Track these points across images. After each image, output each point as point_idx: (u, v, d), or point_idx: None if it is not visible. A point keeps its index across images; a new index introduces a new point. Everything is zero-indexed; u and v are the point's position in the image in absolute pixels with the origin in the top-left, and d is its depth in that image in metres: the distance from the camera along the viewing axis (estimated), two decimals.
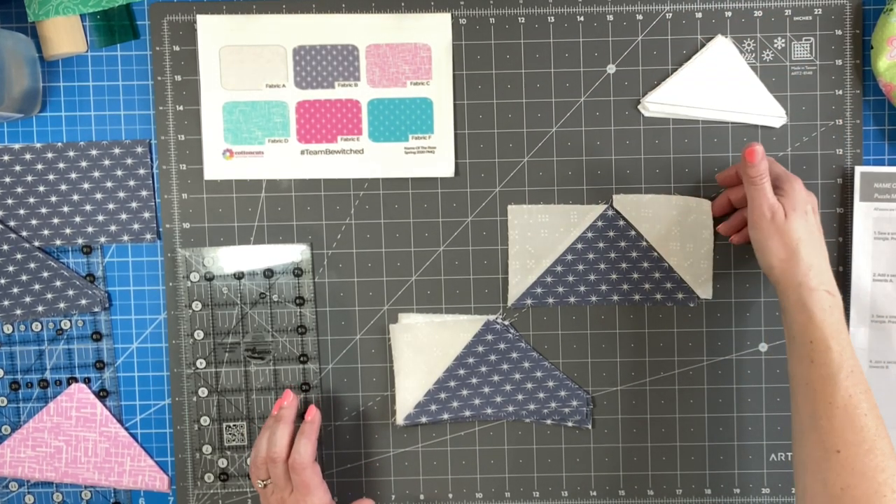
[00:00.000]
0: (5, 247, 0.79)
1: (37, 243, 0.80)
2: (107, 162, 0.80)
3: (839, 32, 0.79)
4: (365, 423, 0.82)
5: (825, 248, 0.70)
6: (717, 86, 0.79)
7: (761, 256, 0.70)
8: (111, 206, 0.80)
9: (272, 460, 0.73)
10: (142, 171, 0.80)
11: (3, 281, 0.80)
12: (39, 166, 0.80)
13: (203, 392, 0.81)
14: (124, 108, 0.80)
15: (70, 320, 0.81)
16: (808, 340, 0.66)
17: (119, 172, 0.80)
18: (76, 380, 0.82)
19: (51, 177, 0.80)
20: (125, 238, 0.80)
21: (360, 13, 0.79)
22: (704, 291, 0.80)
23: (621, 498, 0.82)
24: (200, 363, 0.81)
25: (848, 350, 0.65)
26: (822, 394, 0.64)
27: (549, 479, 0.82)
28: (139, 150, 0.80)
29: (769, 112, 0.79)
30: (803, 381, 0.66)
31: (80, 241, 0.80)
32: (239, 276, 0.80)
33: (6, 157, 0.80)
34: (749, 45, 0.79)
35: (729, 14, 0.79)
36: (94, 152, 0.80)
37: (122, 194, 0.80)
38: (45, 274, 0.80)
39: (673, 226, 0.79)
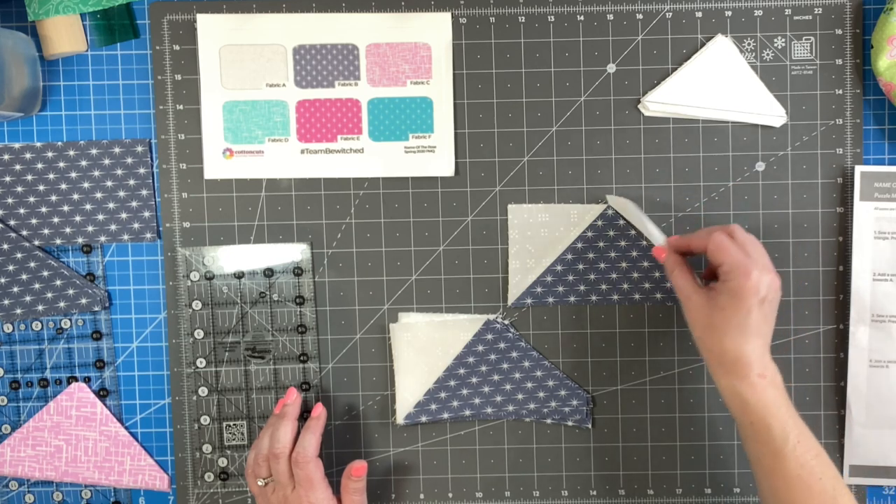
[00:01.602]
0: (5, 246, 0.79)
1: (37, 242, 0.80)
2: (107, 161, 0.80)
3: (839, 32, 0.79)
4: (365, 423, 0.82)
5: (769, 328, 0.68)
6: (717, 85, 0.79)
7: (697, 331, 0.69)
8: (111, 205, 0.80)
9: (275, 456, 0.73)
10: (142, 171, 0.80)
11: (3, 280, 0.80)
12: (39, 165, 0.80)
13: (203, 391, 0.81)
14: (124, 108, 0.80)
15: (70, 319, 0.81)
16: (748, 422, 0.67)
17: (119, 171, 0.80)
18: (76, 379, 0.82)
19: (51, 176, 0.80)
20: (125, 237, 0.80)
21: (361, 12, 0.79)
22: None
23: (621, 497, 0.82)
24: (200, 362, 0.81)
25: (790, 421, 0.66)
26: (774, 469, 0.65)
27: (549, 478, 0.82)
28: (139, 149, 0.80)
29: (769, 111, 0.79)
30: (755, 459, 0.67)
31: (80, 240, 0.80)
32: (239, 276, 0.80)
33: (6, 156, 0.80)
34: (749, 44, 0.79)
35: (729, 13, 0.79)
36: (94, 151, 0.80)
37: (122, 193, 0.80)
38: (46, 273, 0.80)
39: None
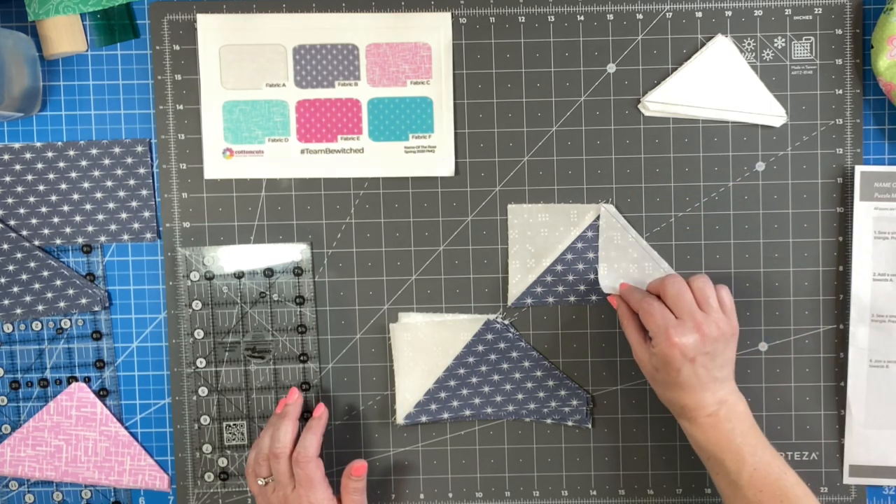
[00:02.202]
0: (5, 246, 0.79)
1: (37, 242, 0.80)
2: (107, 161, 0.80)
3: (839, 32, 0.79)
4: (365, 423, 0.82)
5: (705, 379, 0.70)
6: (717, 85, 0.79)
7: (647, 374, 0.74)
8: (111, 205, 0.80)
9: (275, 456, 0.73)
10: (142, 171, 0.80)
11: (3, 280, 0.80)
12: (39, 165, 0.80)
13: (203, 391, 0.81)
14: (124, 108, 0.80)
15: (70, 319, 0.81)
16: (705, 458, 0.72)
17: (119, 171, 0.80)
18: (76, 379, 0.82)
19: (51, 176, 0.80)
20: (125, 237, 0.80)
21: (361, 12, 0.79)
22: None
23: (621, 497, 0.82)
24: (200, 362, 0.81)
25: (745, 451, 0.69)
26: (735, 498, 0.69)
27: (549, 478, 0.82)
28: (139, 149, 0.80)
29: (769, 111, 0.79)
30: (719, 490, 0.71)
31: (80, 240, 0.80)
32: (239, 276, 0.80)
33: (6, 156, 0.80)
34: (749, 44, 0.79)
35: (729, 13, 0.79)
36: (94, 151, 0.80)
37: (122, 193, 0.80)
38: (46, 273, 0.80)
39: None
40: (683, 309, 0.70)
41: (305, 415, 0.80)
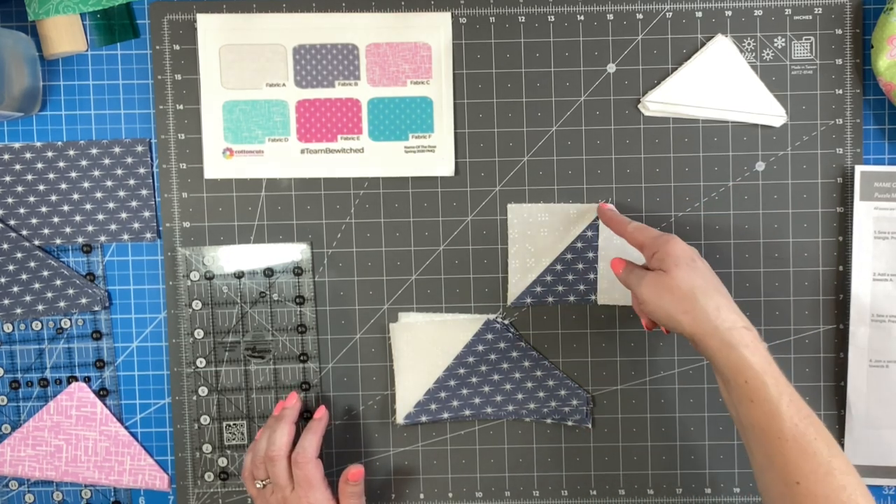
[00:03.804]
0: (5, 245, 0.79)
1: (37, 242, 0.80)
2: (107, 161, 0.80)
3: (839, 31, 0.79)
4: (365, 423, 0.82)
5: (725, 289, 0.68)
6: (717, 85, 0.79)
7: (666, 320, 0.67)
8: (111, 204, 0.80)
9: (271, 459, 0.73)
10: (142, 170, 0.80)
11: (3, 280, 0.80)
12: (39, 165, 0.80)
13: (203, 391, 0.81)
14: (124, 107, 0.80)
15: (70, 319, 0.81)
16: (742, 381, 0.64)
17: (119, 171, 0.80)
18: (76, 379, 0.82)
19: (51, 175, 0.80)
20: (125, 237, 0.80)
21: (361, 12, 0.79)
22: None
23: (621, 497, 0.82)
24: (200, 362, 0.81)
25: (781, 380, 0.64)
26: (769, 431, 0.63)
27: (548, 478, 0.82)
28: (139, 148, 0.80)
29: (769, 111, 0.79)
30: (748, 423, 0.65)
31: (80, 239, 0.80)
32: (239, 275, 0.81)
33: (6, 156, 0.80)
34: (749, 44, 0.79)
35: (729, 13, 0.79)
36: (94, 151, 0.80)
37: (122, 193, 0.80)
38: (46, 273, 0.80)
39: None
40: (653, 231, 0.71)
41: (306, 415, 0.80)
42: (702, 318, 0.65)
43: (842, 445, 0.81)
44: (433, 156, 0.80)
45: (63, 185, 0.80)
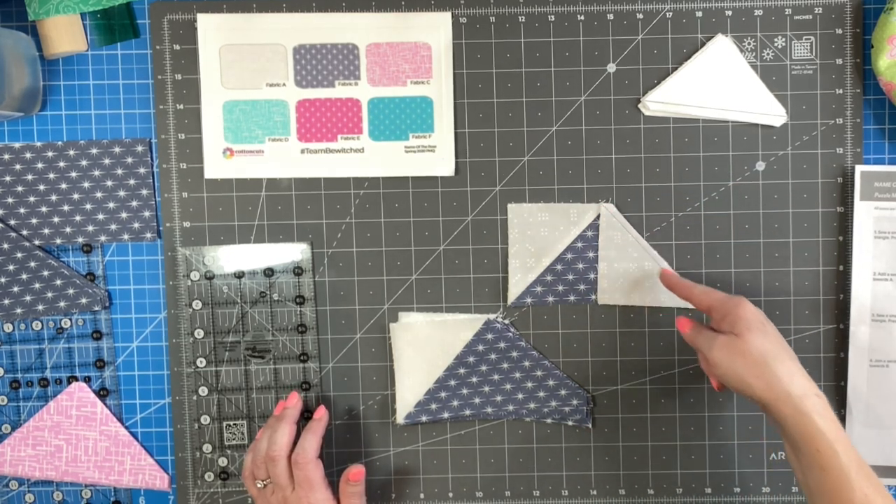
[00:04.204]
0: (6, 245, 0.79)
1: (37, 242, 0.80)
2: (107, 161, 0.80)
3: (839, 31, 0.79)
4: (365, 423, 0.82)
5: (793, 352, 0.68)
6: (717, 85, 0.79)
7: (737, 384, 0.67)
8: (111, 204, 0.80)
9: (272, 458, 0.73)
10: (142, 170, 0.80)
11: (3, 280, 0.80)
12: (40, 165, 0.80)
13: (203, 391, 0.81)
14: (124, 107, 0.80)
15: (70, 319, 0.81)
16: (814, 449, 0.64)
17: (119, 171, 0.80)
18: (76, 378, 0.82)
19: (51, 175, 0.80)
20: (125, 237, 0.80)
21: (361, 12, 0.79)
22: None
23: (621, 497, 0.82)
24: (201, 362, 0.81)
25: (851, 448, 0.64)
26: (839, 499, 0.63)
27: (549, 478, 0.82)
28: (139, 148, 0.80)
29: (769, 111, 0.79)
30: (818, 490, 0.64)
31: (80, 239, 0.80)
32: (239, 275, 0.81)
33: (6, 156, 0.80)
34: (749, 44, 0.79)
35: (729, 13, 0.79)
36: (94, 151, 0.80)
37: (122, 193, 0.80)
38: (46, 273, 0.80)
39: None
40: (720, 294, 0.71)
41: (306, 415, 0.80)
42: (775, 384, 0.66)
43: None
44: (433, 156, 0.80)
45: (63, 185, 0.80)
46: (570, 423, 0.81)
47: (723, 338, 0.68)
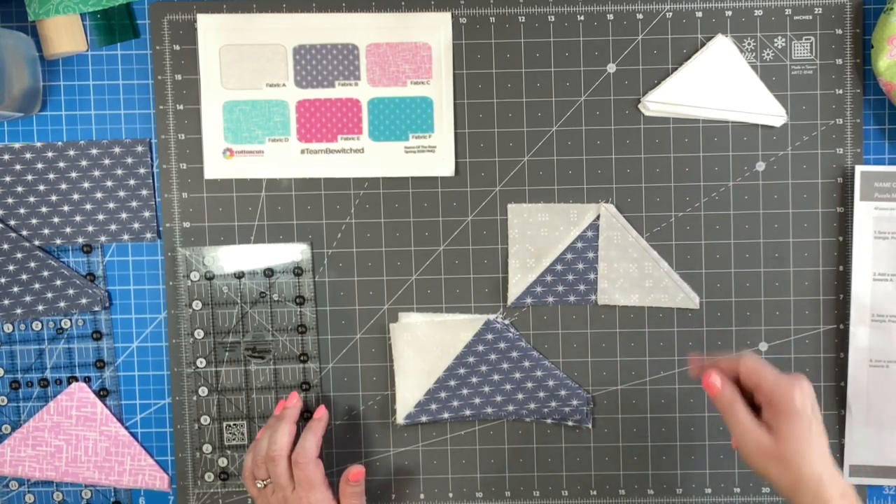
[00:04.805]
0: (6, 246, 0.79)
1: (37, 242, 0.80)
2: (107, 161, 0.80)
3: (839, 31, 0.79)
4: (365, 423, 0.82)
5: (827, 443, 0.65)
6: (717, 85, 0.79)
7: (762, 473, 0.65)
8: (111, 205, 0.80)
9: (272, 458, 0.73)
10: (142, 170, 0.80)
11: (3, 280, 0.80)
12: (40, 165, 0.80)
13: (203, 391, 0.81)
14: (124, 108, 0.80)
15: (70, 319, 0.81)
16: None
17: (119, 171, 0.80)
18: (76, 379, 0.82)
19: (51, 176, 0.80)
20: (125, 237, 0.80)
21: (361, 12, 0.79)
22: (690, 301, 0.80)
23: (621, 497, 0.82)
24: (201, 362, 0.81)
25: None
26: None
27: (549, 478, 0.82)
28: (139, 149, 0.80)
29: (769, 111, 0.79)
30: None
31: (80, 240, 0.80)
32: (239, 276, 0.81)
33: (6, 156, 0.80)
34: (749, 44, 0.79)
35: (729, 13, 0.79)
36: (94, 151, 0.80)
37: (122, 193, 0.80)
38: (46, 273, 0.80)
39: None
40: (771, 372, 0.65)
41: (306, 415, 0.80)
42: (801, 489, 0.64)
43: (842, 446, 0.81)
44: (433, 156, 0.80)
45: (63, 186, 0.80)
46: (569, 423, 0.81)
47: (757, 431, 0.65)
